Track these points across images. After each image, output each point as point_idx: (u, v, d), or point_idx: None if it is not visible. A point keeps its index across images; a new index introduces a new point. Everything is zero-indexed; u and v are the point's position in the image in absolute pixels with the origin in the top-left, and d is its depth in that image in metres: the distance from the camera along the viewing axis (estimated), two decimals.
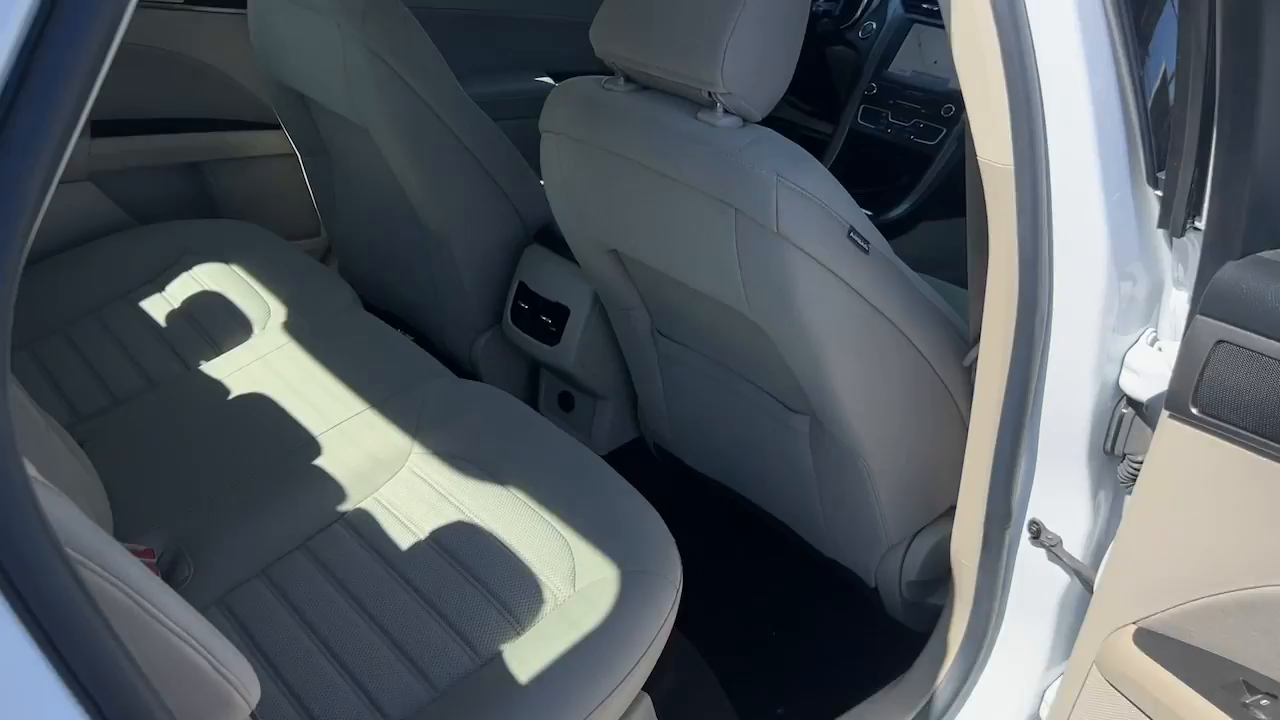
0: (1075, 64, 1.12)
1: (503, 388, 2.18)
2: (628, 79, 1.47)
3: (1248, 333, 0.99)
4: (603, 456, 2.07)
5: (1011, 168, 1.16)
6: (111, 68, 2.21)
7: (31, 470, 0.72)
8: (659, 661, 1.37)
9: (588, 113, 1.47)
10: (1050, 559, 1.37)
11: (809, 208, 1.28)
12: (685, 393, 1.81)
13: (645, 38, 1.36)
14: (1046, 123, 1.14)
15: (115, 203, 2.28)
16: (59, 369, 1.90)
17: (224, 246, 2.15)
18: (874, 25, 2.60)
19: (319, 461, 1.61)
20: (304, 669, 1.32)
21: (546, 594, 1.37)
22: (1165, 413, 1.07)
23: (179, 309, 2.03)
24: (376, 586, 1.41)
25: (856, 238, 1.32)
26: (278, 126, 2.31)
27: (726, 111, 1.34)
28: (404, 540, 1.48)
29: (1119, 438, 1.29)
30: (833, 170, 2.65)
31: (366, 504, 1.54)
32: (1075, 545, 1.35)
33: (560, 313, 1.94)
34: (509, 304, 2.04)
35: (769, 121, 2.88)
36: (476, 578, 1.40)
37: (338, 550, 1.47)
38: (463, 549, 1.44)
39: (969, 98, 1.18)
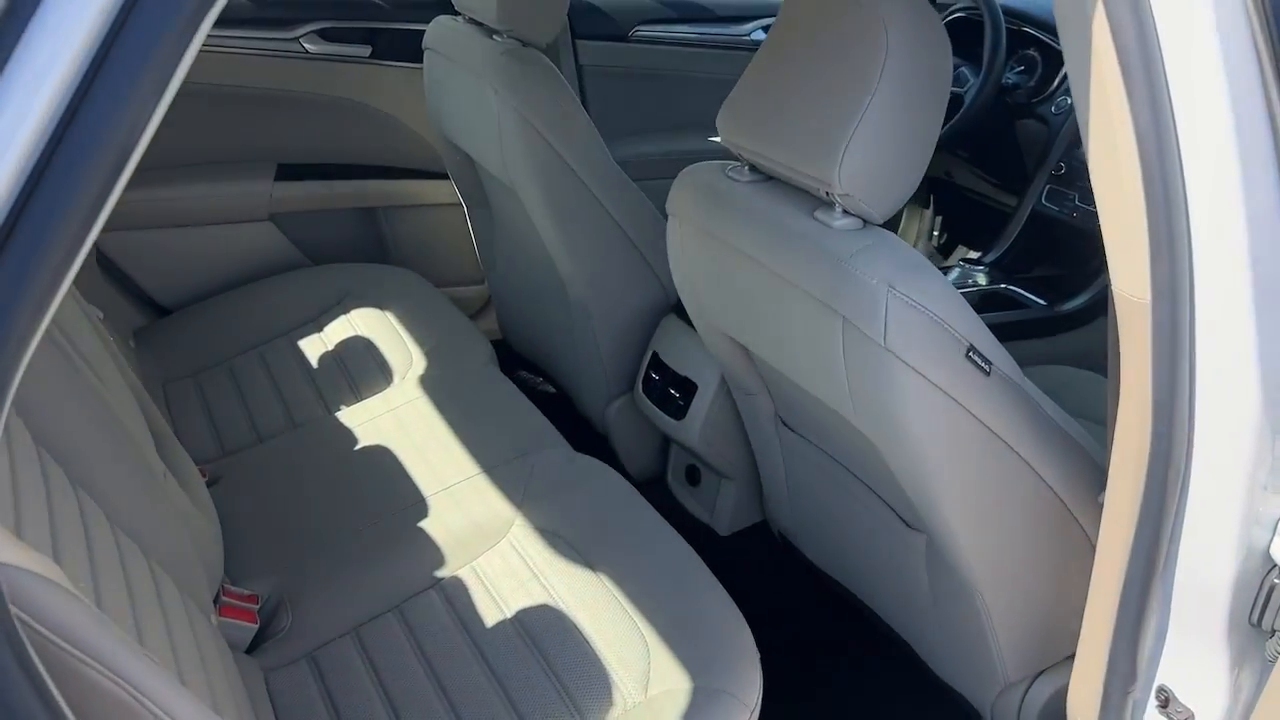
0: (1229, 186, 0.99)
1: (633, 455, 2.17)
2: (753, 168, 1.41)
3: None
4: (724, 537, 2.03)
5: (1148, 303, 1.03)
6: (299, 115, 2.32)
7: (48, 571, 0.74)
8: None
9: (707, 201, 1.42)
10: None
11: (922, 323, 1.18)
12: (807, 487, 1.73)
13: (768, 130, 1.30)
14: (1193, 254, 1.01)
15: (292, 242, 2.41)
16: (216, 400, 2.01)
17: (383, 292, 2.23)
18: (1069, 101, 2.43)
19: (425, 523, 1.62)
20: None
21: (616, 696, 1.32)
22: None
23: (332, 350, 2.11)
24: (456, 662, 1.40)
25: (976, 358, 1.21)
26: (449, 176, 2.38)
27: (846, 212, 1.27)
28: (490, 616, 1.47)
29: (1267, 611, 1.12)
30: (1011, 250, 2.53)
31: (463, 572, 1.54)
32: None
33: (689, 388, 1.90)
34: (642, 372, 2.01)
35: (948, 185, 2.75)
36: (552, 668, 1.37)
37: (428, 618, 1.48)
38: (544, 635, 1.41)
39: (1104, 219, 1.06)
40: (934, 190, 3.02)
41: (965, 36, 2.58)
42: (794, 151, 1.26)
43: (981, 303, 2.28)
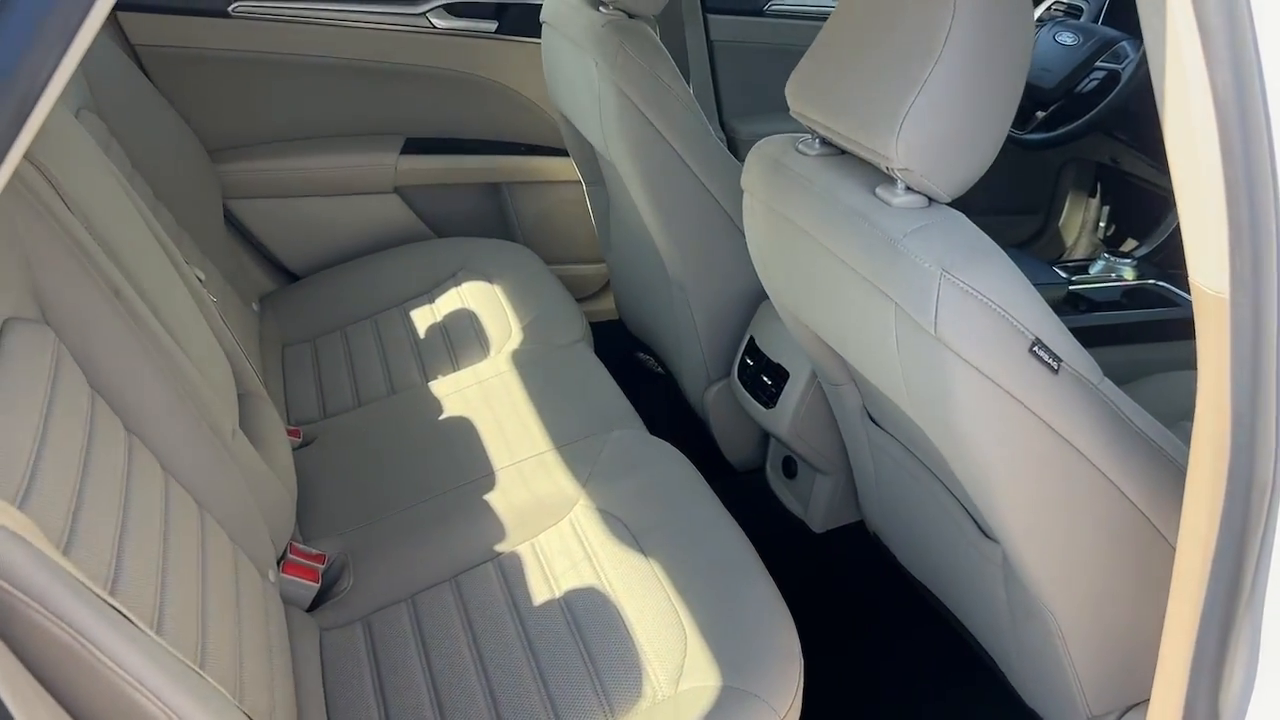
0: None
1: (733, 441, 2.10)
2: (823, 141, 1.32)
3: None
4: (819, 535, 1.94)
5: (1227, 295, 0.90)
6: (426, 90, 2.36)
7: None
8: None
9: (772, 174, 1.34)
10: None
11: (979, 312, 1.07)
12: (895, 486, 1.62)
13: (832, 99, 1.21)
14: None
15: (416, 214, 2.46)
16: (327, 365, 2.07)
17: (495, 266, 2.24)
18: None
19: (491, 497, 1.62)
20: (405, 705, 1.32)
21: (646, 688, 1.28)
22: None
23: (440, 321, 2.14)
24: (499, 639, 1.39)
25: (1042, 353, 1.09)
26: None
27: (908, 189, 1.16)
28: (540, 594, 1.44)
29: None
30: (1170, 243, 2.30)
31: (521, 548, 1.53)
32: None
33: (780, 375, 1.82)
34: (738, 357, 1.94)
35: (1114, 172, 2.53)
36: (589, 653, 1.34)
37: (481, 591, 1.47)
38: (587, 619, 1.38)
39: (1179, 198, 0.93)
40: (1100, 179, 2.79)
41: (1130, 10, 2.36)
42: (854, 122, 1.16)
43: (1125, 299, 2.08)
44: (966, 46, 1.07)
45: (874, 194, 1.19)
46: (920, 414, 1.19)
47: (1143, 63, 2.17)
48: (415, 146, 2.41)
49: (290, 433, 1.83)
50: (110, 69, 1.98)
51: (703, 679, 1.25)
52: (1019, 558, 1.22)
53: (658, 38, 1.87)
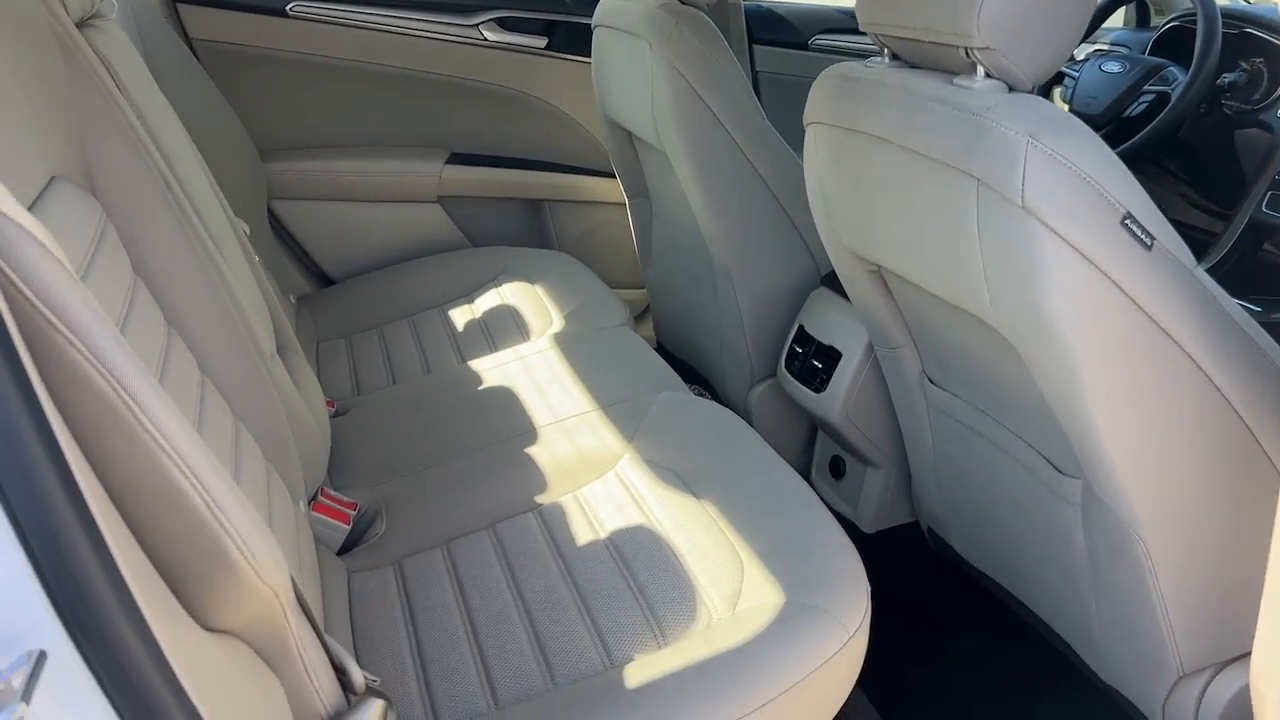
0: None
1: (776, 445, 2.02)
2: (893, 56, 1.30)
3: None
4: (869, 536, 1.85)
5: None
6: (473, 103, 2.38)
7: (42, 235, 0.70)
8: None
9: (840, 92, 1.32)
10: None
11: (1068, 179, 1.02)
12: (954, 453, 1.54)
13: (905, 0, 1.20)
14: None
15: (457, 226, 2.44)
16: (362, 355, 2.03)
17: (537, 270, 2.21)
18: None
19: (532, 450, 1.54)
20: (440, 636, 1.23)
21: (701, 612, 1.18)
22: None
23: (478, 318, 2.10)
24: (541, 578, 1.30)
25: (1134, 227, 1.04)
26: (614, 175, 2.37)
27: (988, 75, 1.13)
28: (584, 537, 1.36)
29: None
30: (1222, 264, 2.26)
31: (564, 499, 1.45)
32: None
33: (832, 356, 1.76)
34: (786, 347, 1.89)
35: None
36: (638, 585, 1.25)
37: (521, 537, 1.39)
38: (635, 555, 1.29)
39: None
40: None
41: (1184, 45, 2.38)
42: (931, 9, 1.14)
43: None
44: None
45: (952, 84, 1.16)
46: (1002, 308, 1.13)
47: (1193, 83, 2.17)
48: (460, 159, 2.42)
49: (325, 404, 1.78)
50: (168, 57, 2.00)
51: (763, 597, 1.16)
52: (1104, 474, 1.14)
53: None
